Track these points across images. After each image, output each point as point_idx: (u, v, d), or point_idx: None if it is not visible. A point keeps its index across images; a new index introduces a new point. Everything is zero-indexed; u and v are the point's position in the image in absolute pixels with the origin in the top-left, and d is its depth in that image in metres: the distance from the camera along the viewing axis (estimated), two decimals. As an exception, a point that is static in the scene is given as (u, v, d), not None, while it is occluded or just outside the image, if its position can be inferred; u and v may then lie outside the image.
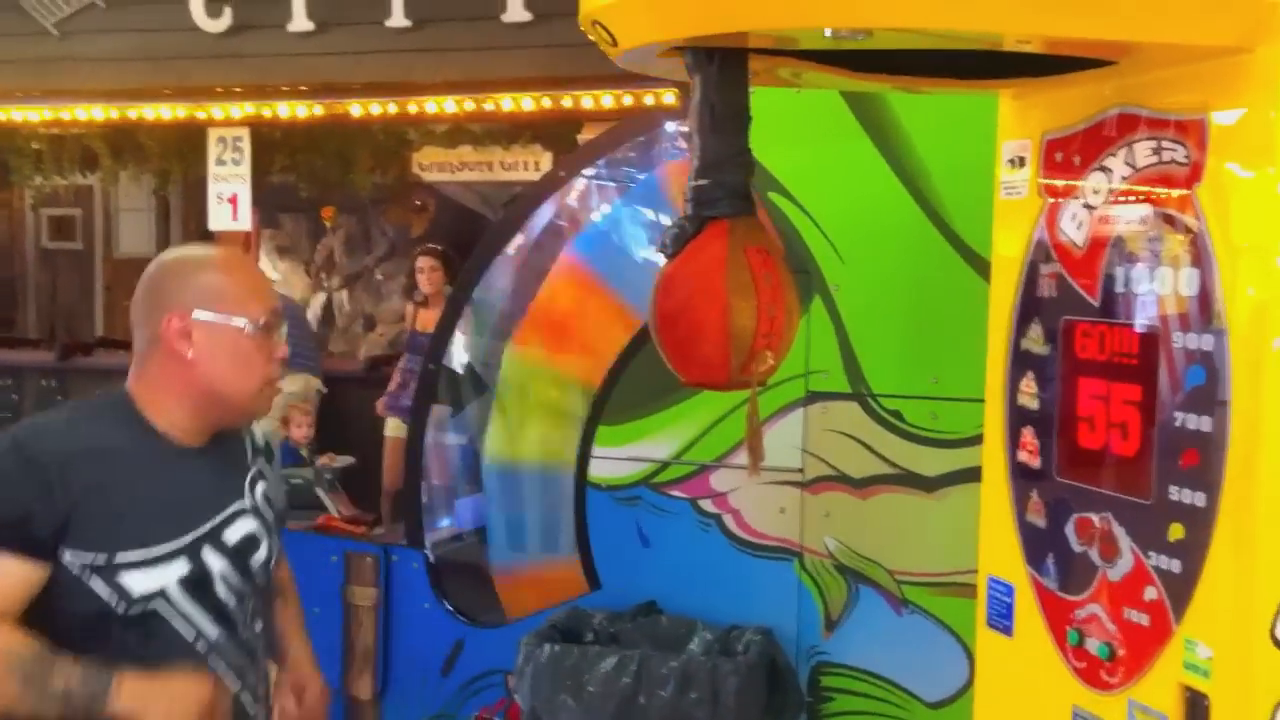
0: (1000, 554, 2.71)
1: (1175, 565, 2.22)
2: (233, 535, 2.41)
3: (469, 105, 8.94)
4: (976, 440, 2.90)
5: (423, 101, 9.01)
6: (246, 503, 2.47)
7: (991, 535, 2.76)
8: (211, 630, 2.37)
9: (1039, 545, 2.59)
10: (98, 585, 2.25)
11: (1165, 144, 2.27)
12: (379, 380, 8.20)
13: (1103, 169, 2.42)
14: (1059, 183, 2.55)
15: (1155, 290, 2.28)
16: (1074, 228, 2.50)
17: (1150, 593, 2.28)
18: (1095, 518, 2.42)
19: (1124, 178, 2.37)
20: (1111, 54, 2.27)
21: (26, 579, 2.22)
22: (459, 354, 4.73)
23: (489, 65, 8.87)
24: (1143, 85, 2.33)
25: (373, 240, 11.73)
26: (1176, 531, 2.22)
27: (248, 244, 10.51)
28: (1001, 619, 2.70)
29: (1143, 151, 2.33)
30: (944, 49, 2.40)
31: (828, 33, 2.14)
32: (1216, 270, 2.15)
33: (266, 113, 9.24)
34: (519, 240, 4.53)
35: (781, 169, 3.89)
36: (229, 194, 9.50)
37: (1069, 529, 2.49)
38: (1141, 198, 2.33)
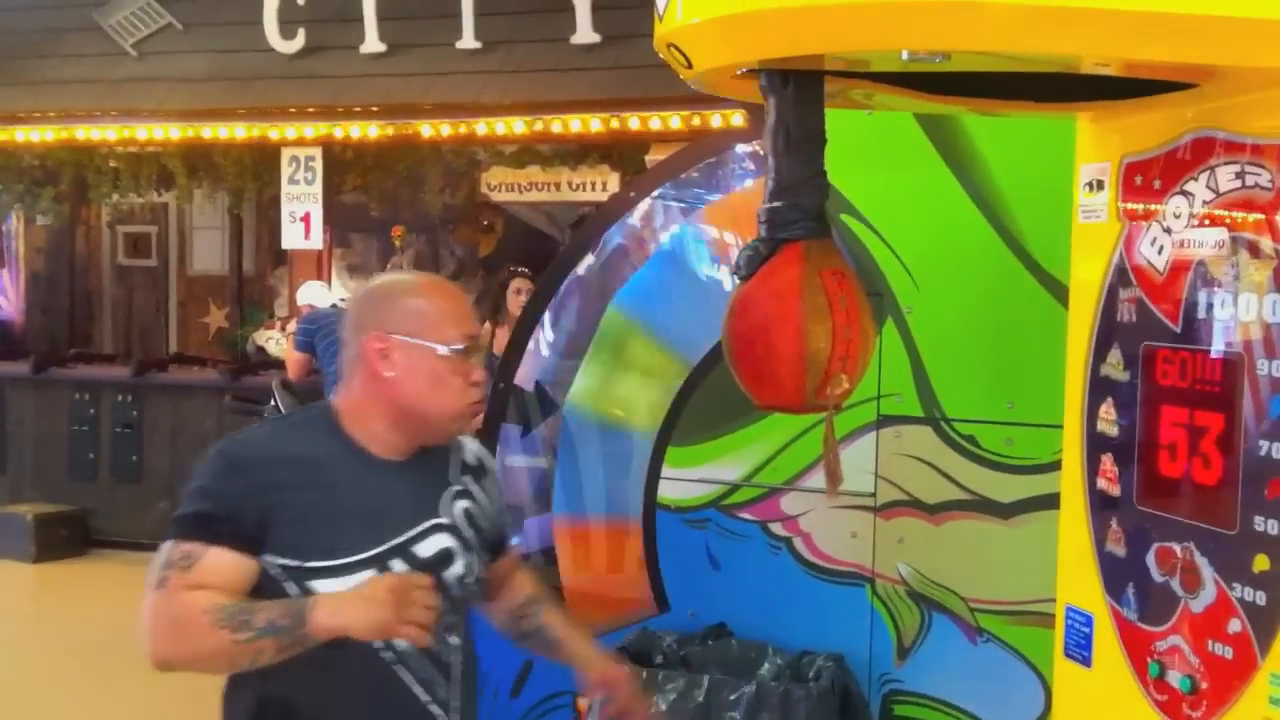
0: (1079, 583, 2.67)
1: (1260, 597, 2.18)
2: (425, 549, 2.47)
3: (538, 126, 8.99)
4: (1052, 467, 2.86)
5: (492, 122, 9.07)
6: (444, 518, 2.52)
7: (1070, 564, 2.72)
8: (399, 640, 2.40)
9: (1118, 575, 2.55)
10: (291, 589, 2.34)
11: (1249, 168, 2.24)
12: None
13: (1184, 193, 2.39)
14: (1139, 206, 2.51)
15: (1239, 316, 2.24)
16: (1154, 252, 2.46)
17: (1234, 625, 2.23)
18: (1177, 547, 2.38)
19: (1206, 202, 2.33)
20: (1193, 77, 2.23)
21: (238, 568, 2.32)
22: (529, 373, 4.72)
23: (558, 86, 8.93)
24: (1225, 109, 2.29)
25: (441, 260, 11.82)
26: (1261, 563, 2.17)
27: (319, 262, 10.64)
28: (1080, 649, 2.66)
29: (1225, 176, 2.29)
30: (1020, 71, 2.37)
31: (905, 55, 2.13)
32: (1302, 297, 2.12)
33: (338, 133, 9.35)
34: (589, 260, 4.53)
35: (853, 191, 3.86)
36: (301, 213, 9.63)
37: (1149, 559, 2.45)
38: (1224, 222, 2.29)
